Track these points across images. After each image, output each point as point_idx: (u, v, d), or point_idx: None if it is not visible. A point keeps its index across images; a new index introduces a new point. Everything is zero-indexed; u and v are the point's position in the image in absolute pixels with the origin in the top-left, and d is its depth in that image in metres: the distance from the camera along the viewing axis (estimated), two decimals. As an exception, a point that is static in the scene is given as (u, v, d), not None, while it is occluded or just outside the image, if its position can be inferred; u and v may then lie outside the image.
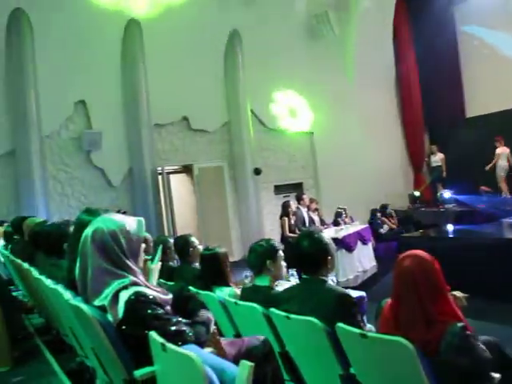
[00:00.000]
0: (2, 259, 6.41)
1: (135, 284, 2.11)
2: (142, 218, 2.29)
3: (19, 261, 4.64)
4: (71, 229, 3.70)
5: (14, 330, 4.39)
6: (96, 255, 2.14)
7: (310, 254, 2.78)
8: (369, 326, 2.80)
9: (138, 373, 2.00)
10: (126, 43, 10.98)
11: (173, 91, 11.18)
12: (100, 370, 2.61)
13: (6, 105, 9.98)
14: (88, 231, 2.21)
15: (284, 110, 12.82)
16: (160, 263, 2.53)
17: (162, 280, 3.55)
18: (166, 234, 10.54)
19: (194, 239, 4.45)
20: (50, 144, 10.53)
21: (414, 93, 14.99)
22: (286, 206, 9.22)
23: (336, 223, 10.53)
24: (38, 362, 4.23)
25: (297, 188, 12.82)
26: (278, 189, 12.88)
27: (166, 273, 3.86)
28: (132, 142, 11.03)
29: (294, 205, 9.33)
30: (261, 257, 3.25)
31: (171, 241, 4.80)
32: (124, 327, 2.06)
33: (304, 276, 2.85)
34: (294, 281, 3.91)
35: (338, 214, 10.78)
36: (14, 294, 5.86)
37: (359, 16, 13.52)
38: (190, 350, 1.75)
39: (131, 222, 2.24)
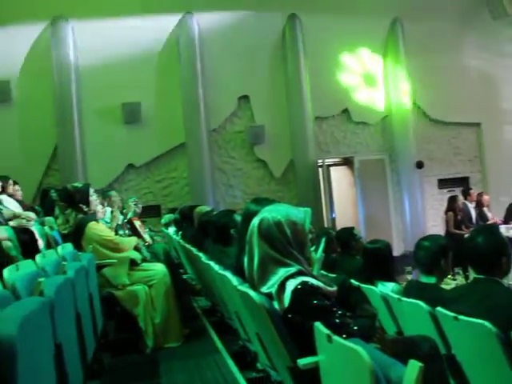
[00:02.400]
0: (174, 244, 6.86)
1: (301, 273, 2.13)
2: (308, 209, 2.30)
3: (189, 246, 4.93)
4: (236, 218, 3.88)
5: (184, 310, 4.70)
6: (262, 244, 2.19)
7: (484, 251, 2.59)
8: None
9: (302, 361, 2.01)
10: (286, 39, 11.19)
11: (333, 84, 11.20)
12: (263, 355, 2.68)
13: (180, 100, 10.72)
14: (255, 221, 2.27)
15: (448, 100, 12.11)
16: (323, 254, 2.53)
17: (323, 271, 3.56)
18: (326, 226, 10.58)
19: (357, 232, 4.43)
20: (217, 138, 11.12)
21: None
22: (452, 201, 8.75)
23: (507, 220, 9.71)
24: (205, 341, 4.50)
25: (462, 182, 12.08)
26: (442, 183, 12.24)
27: (328, 264, 3.86)
28: (294, 134, 11.20)
29: (460, 200, 8.82)
30: (433, 255, 3.08)
31: (333, 233, 4.82)
32: (290, 316, 2.09)
33: (476, 276, 2.67)
34: (460, 280, 3.69)
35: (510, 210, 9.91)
36: (184, 276, 6.28)
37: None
38: (356, 344, 1.72)
39: (297, 213, 2.26)
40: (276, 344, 2.19)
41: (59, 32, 10.42)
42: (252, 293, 2.17)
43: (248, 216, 2.68)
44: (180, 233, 6.53)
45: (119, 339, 4.70)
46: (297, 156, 11.17)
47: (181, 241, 5.73)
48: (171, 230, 7.70)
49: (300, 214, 2.26)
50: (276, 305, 2.13)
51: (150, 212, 10.19)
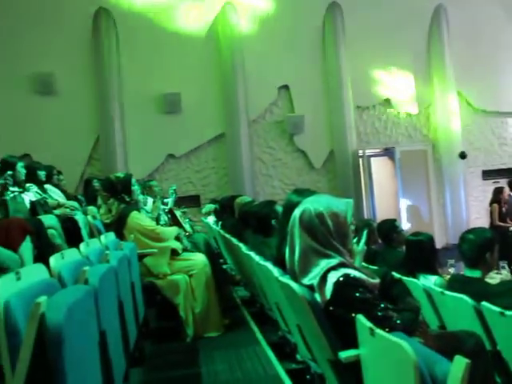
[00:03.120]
0: (214, 234, 6.90)
1: (343, 265, 2.11)
2: (350, 200, 2.27)
3: (229, 236, 4.95)
4: (278, 209, 3.87)
5: (224, 300, 4.73)
6: (304, 235, 2.17)
7: None
8: None
9: (343, 354, 1.99)
10: (326, 27, 11.09)
11: (374, 73, 11.05)
12: (303, 347, 2.68)
13: (220, 91, 10.76)
14: (297, 212, 2.25)
15: (492, 89, 11.76)
16: (365, 246, 2.50)
17: (364, 263, 3.52)
18: (366, 217, 10.48)
19: (398, 224, 4.37)
20: (256, 128, 11.11)
21: None
22: (497, 192, 8.53)
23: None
24: (244, 331, 4.52)
25: (508, 173, 11.75)
26: (486, 174, 11.93)
27: (369, 256, 3.82)
28: (334, 124, 11.10)
29: (506, 192, 8.59)
30: (479, 248, 3.01)
31: (374, 224, 4.76)
32: (331, 308, 2.07)
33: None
34: (505, 274, 3.59)
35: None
36: (224, 266, 6.32)
37: None
38: (399, 338, 1.70)
39: (339, 204, 2.24)
40: (317, 336, 2.17)
41: (101, 24, 10.56)
42: (293, 284, 2.16)
43: (289, 207, 2.67)
44: (220, 223, 6.57)
45: (159, 327, 4.77)
46: (337, 146, 11.08)
47: (221, 231, 5.76)
48: (211, 219, 7.75)
49: (342, 206, 2.23)
50: (317, 297, 2.12)
51: (190, 202, 10.29)
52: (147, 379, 3.54)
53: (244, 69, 10.74)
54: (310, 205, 2.23)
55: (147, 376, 3.59)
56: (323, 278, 2.10)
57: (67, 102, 10.33)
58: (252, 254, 3.38)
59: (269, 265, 2.77)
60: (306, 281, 2.16)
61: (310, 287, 2.15)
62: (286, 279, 2.27)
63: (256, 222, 4.05)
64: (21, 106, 10.21)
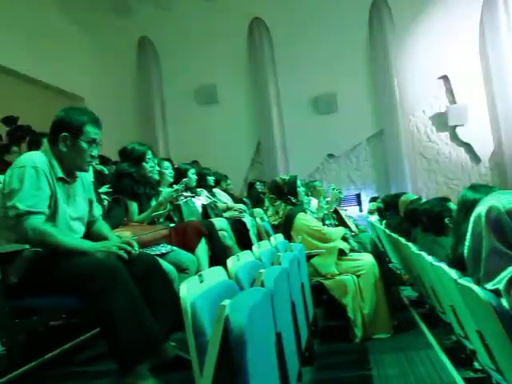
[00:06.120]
0: (377, 233, 6.78)
1: (535, 269, 1.91)
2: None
3: (395, 235, 4.82)
4: (450, 206, 3.68)
5: (392, 300, 4.61)
6: (490, 235, 1.97)
7: None
8: None
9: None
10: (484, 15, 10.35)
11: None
12: (483, 355, 2.49)
13: (373, 87, 10.57)
14: (481, 210, 2.03)
15: None
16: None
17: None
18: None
19: None
20: (415, 122, 10.73)
21: None
22: None
23: None
24: (414, 334, 4.36)
25: None
26: None
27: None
28: (501, 113, 10.34)
29: None
30: None
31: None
32: (521, 315, 1.90)
33: None
34: None
35: None
36: (389, 265, 6.17)
37: None
38: None
39: None
40: (503, 345, 2.00)
41: (256, 33, 10.94)
42: (476, 288, 2.01)
43: (464, 204, 2.51)
44: (384, 222, 6.44)
45: (327, 327, 4.78)
46: (507, 137, 10.27)
47: (386, 230, 5.63)
48: (373, 218, 7.62)
49: None
50: (504, 302, 1.95)
51: (351, 201, 10.25)
52: (318, 379, 3.55)
53: (398, 61, 10.44)
54: (498, 202, 1.99)
55: (318, 375, 3.60)
56: (510, 282, 1.91)
57: (229, 110, 10.86)
58: (423, 254, 3.24)
59: (444, 266, 2.63)
60: (490, 285, 1.99)
61: (495, 292, 1.98)
62: (467, 282, 2.13)
63: (427, 221, 3.89)
64: (190, 118, 10.95)
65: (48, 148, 2.66)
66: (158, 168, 4.17)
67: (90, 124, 2.65)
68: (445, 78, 10.66)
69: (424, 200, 5.21)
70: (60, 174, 2.63)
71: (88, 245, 2.59)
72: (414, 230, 4.38)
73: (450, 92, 10.71)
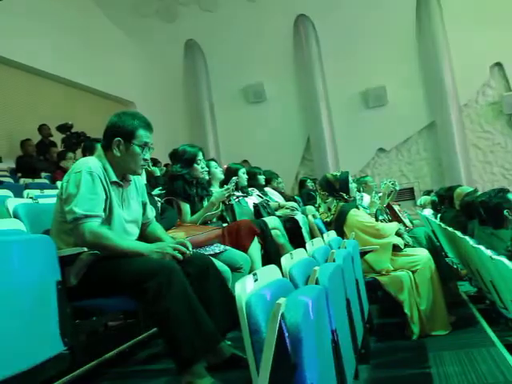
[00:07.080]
0: (432, 227, 6.64)
1: None
2: None
3: (451, 229, 4.70)
4: (509, 197, 3.56)
5: (449, 296, 4.51)
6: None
7: None
8: None
9: None
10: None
11: None
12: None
13: (422, 79, 10.35)
14: None
15: None
16: None
17: None
18: None
19: None
20: (468, 112, 10.45)
21: None
22: None
23: None
24: (473, 330, 4.23)
25: None
26: None
27: None
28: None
29: None
30: None
31: None
32: None
33: None
34: None
35: None
36: (446, 260, 6.03)
37: None
38: None
39: None
40: None
41: (301, 30, 10.89)
42: (540, 282, 1.94)
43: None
44: (439, 215, 6.30)
45: (383, 324, 4.71)
46: None
47: (441, 223, 5.50)
48: (427, 212, 7.46)
49: None
50: None
51: (404, 195, 10.06)
52: (375, 377, 3.50)
53: (448, 50, 10.19)
54: None
55: (375, 374, 3.56)
56: None
57: (277, 108, 10.87)
58: (481, 247, 3.15)
59: (504, 259, 2.55)
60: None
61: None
62: (530, 276, 2.06)
63: (484, 213, 3.78)
64: (238, 117, 11.02)
65: (102, 153, 2.73)
66: (207, 169, 4.22)
67: (142, 128, 2.70)
68: (498, 64, 10.34)
69: (480, 192, 5.07)
70: (114, 178, 2.69)
71: (143, 246, 2.64)
72: (471, 223, 4.27)
73: (505, 79, 10.38)
